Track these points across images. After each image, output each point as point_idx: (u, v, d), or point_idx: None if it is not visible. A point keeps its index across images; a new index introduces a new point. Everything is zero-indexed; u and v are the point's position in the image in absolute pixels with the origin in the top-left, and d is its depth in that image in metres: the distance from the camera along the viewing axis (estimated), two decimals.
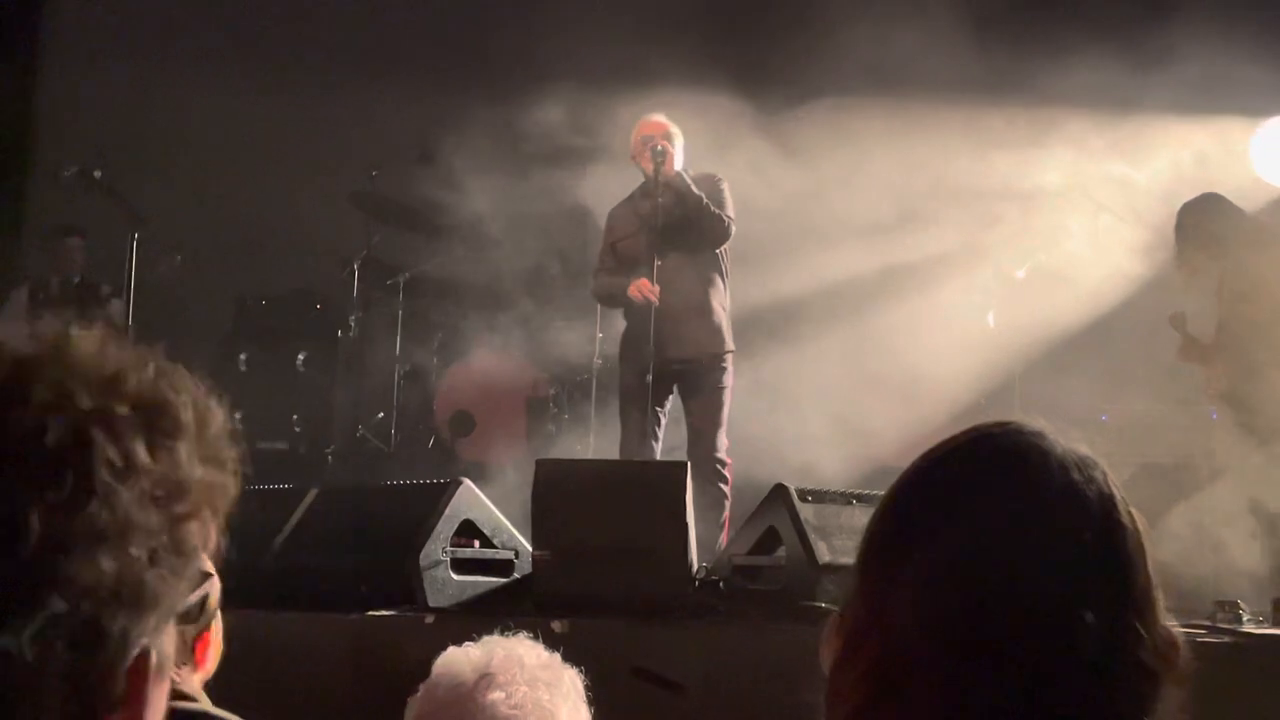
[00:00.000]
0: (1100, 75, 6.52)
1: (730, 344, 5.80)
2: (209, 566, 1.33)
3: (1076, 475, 1.12)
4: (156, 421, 0.88)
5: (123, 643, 0.84)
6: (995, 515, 1.10)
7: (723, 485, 5.62)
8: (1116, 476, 1.18)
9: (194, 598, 1.20)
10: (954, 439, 1.18)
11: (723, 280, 5.85)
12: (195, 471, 0.90)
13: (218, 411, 0.95)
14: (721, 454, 5.69)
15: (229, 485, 0.93)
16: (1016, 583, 1.07)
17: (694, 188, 5.68)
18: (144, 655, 0.86)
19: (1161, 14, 6.54)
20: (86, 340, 0.89)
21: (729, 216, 5.73)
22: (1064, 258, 7.08)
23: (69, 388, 0.85)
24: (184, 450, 0.89)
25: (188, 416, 0.90)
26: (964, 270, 7.13)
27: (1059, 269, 7.04)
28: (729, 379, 5.80)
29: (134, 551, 0.84)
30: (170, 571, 0.87)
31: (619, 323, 6.17)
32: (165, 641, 0.89)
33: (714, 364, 5.75)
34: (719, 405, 5.74)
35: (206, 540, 0.93)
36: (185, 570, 0.88)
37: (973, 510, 1.10)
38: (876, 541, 1.14)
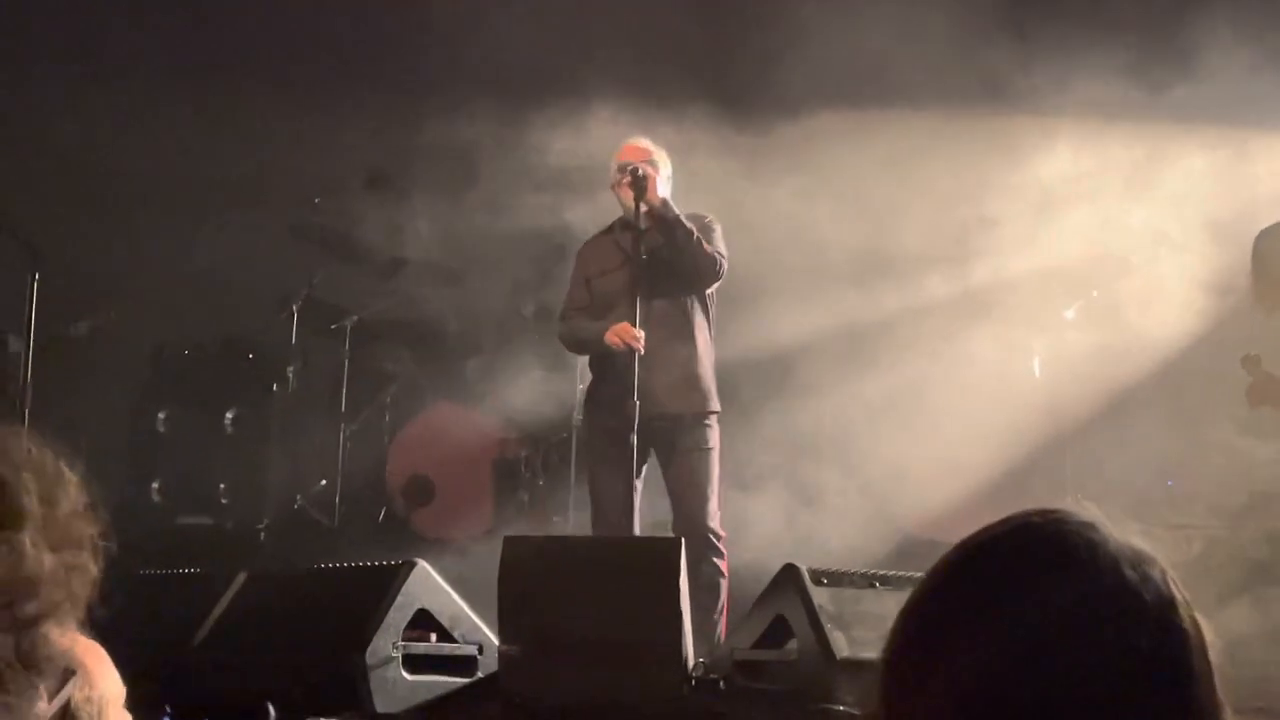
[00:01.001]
0: (1150, 86, 6.61)
1: (716, 403, 5.84)
2: (73, 659, 1.30)
3: (1130, 573, 1.14)
4: None
5: None
6: (1038, 618, 1.11)
7: (718, 561, 5.59)
8: (1186, 551, 1.21)
9: (54, 706, 1.18)
10: (991, 529, 1.20)
11: (709, 329, 5.90)
12: (44, 561, 0.87)
13: (71, 481, 0.93)
14: (715, 525, 5.68)
15: (89, 567, 0.91)
16: (1062, 695, 1.08)
17: (684, 219, 5.72)
18: None
19: (1199, 16, 6.62)
20: None
21: (721, 254, 5.78)
22: (1120, 294, 7.11)
23: None
24: (29, 540, 0.87)
25: (30, 500, 0.88)
26: (1002, 311, 7.15)
27: (1114, 307, 7.07)
28: (715, 439, 5.81)
29: None
30: (19, 695, 0.84)
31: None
32: None
33: (697, 423, 5.77)
34: (708, 468, 5.73)
35: (65, 634, 0.91)
36: (40, 683, 0.86)
37: (1013, 612, 1.12)
38: (904, 645, 1.16)
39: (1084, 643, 1.10)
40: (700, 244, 5.71)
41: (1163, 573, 1.16)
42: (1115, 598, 1.12)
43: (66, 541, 0.91)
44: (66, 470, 0.96)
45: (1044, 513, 1.19)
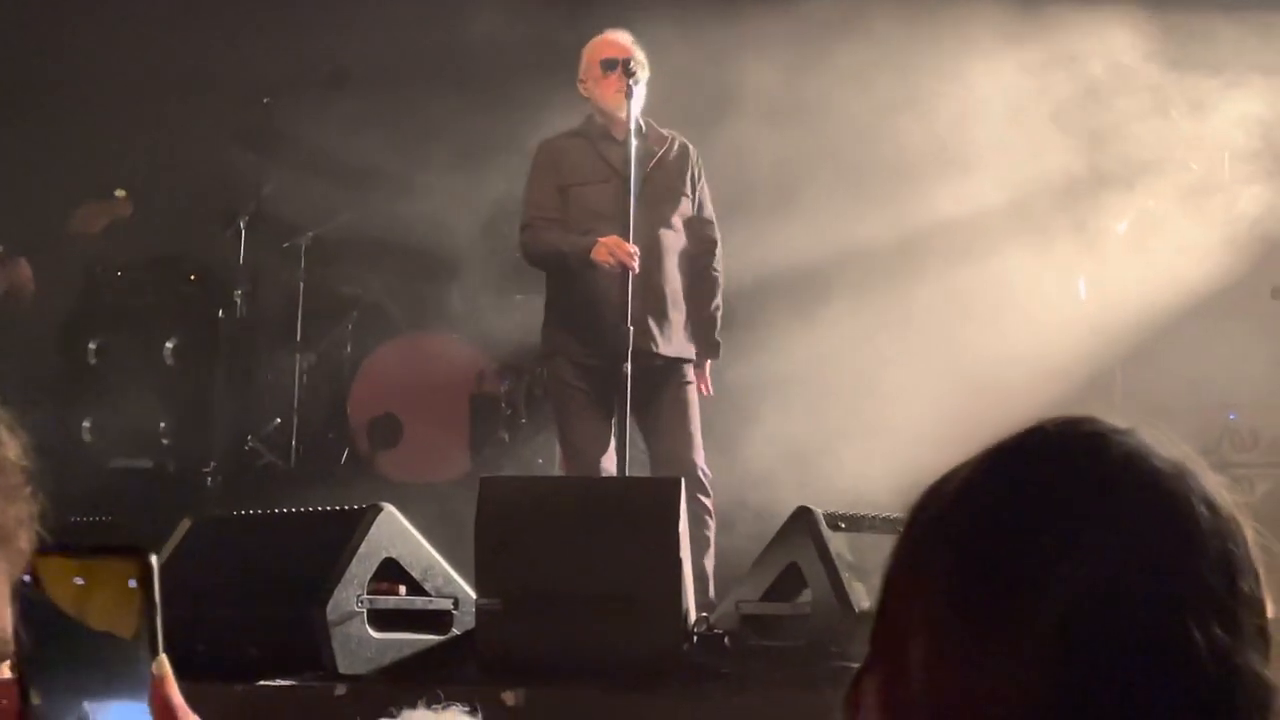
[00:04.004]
0: None
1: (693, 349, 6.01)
2: None
3: (1179, 488, 1.13)
4: None
5: None
6: (1071, 555, 1.10)
7: (706, 500, 5.72)
8: (1249, 492, 1.20)
9: None
10: (1000, 443, 1.19)
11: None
12: None
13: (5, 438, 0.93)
14: (702, 462, 5.80)
15: (17, 536, 0.91)
16: (1179, 646, 1.08)
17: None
18: None
19: None
20: None
21: (712, 219, 6.03)
22: (1181, 204, 7.11)
23: None
24: None
25: None
26: (1043, 223, 7.15)
27: (1173, 219, 7.07)
28: (693, 373, 5.96)
29: None
30: None
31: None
32: None
33: (675, 365, 5.86)
34: (692, 402, 5.87)
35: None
36: None
37: (1106, 538, 1.10)
38: (960, 580, 1.14)
39: (1187, 577, 1.10)
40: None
41: (1216, 480, 1.15)
42: (1168, 518, 1.11)
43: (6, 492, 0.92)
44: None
45: (1063, 421, 1.17)
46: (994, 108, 7.08)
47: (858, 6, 6.96)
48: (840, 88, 6.99)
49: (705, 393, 5.98)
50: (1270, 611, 1.15)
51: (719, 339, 6.02)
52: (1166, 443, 1.16)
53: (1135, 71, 7.01)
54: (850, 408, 6.84)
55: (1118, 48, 7.00)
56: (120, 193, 7.26)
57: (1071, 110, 7.10)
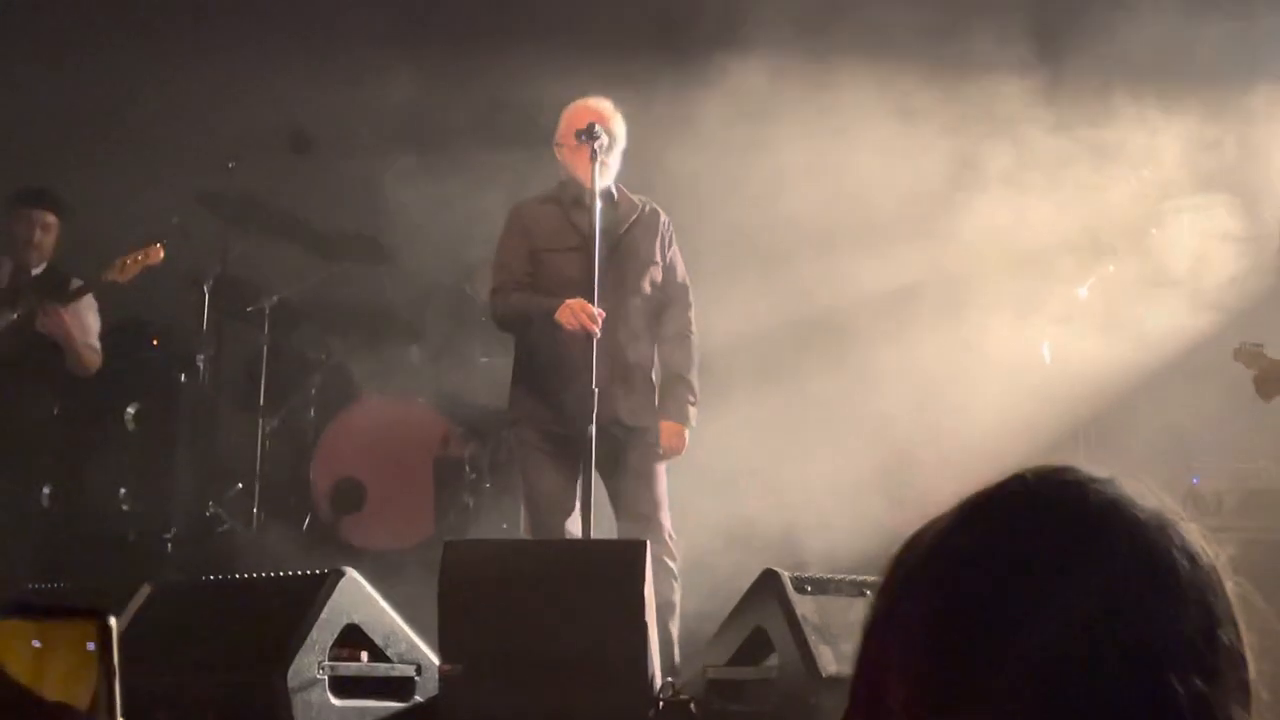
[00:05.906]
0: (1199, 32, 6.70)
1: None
2: None
3: (1161, 537, 1.13)
4: None
5: None
6: (1049, 603, 1.10)
7: (672, 564, 5.66)
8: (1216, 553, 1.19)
9: None
10: (980, 494, 1.18)
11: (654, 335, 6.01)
12: None
13: None
14: (669, 526, 5.75)
15: None
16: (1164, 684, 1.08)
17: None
18: None
19: None
20: None
21: (685, 283, 5.99)
22: (1142, 269, 7.17)
23: None
24: None
25: None
26: (1007, 289, 7.19)
27: (1135, 284, 7.12)
28: (658, 439, 5.89)
29: None
30: None
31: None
32: None
33: (641, 429, 5.83)
34: (659, 466, 5.82)
35: None
36: None
37: (1018, 597, 1.10)
38: (938, 628, 1.13)
39: (1111, 631, 1.09)
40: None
41: (1195, 531, 1.16)
42: (1147, 569, 1.12)
43: None
44: None
45: (1042, 471, 1.17)
46: (963, 173, 7.15)
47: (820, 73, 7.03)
48: (806, 152, 7.04)
49: (677, 449, 5.88)
50: (1250, 663, 1.15)
51: (694, 404, 5.92)
52: (1146, 493, 1.16)
53: (1081, 137, 7.11)
54: (816, 469, 6.85)
55: (1045, 113, 7.10)
56: (158, 245, 7.18)
57: (1028, 177, 7.17)
